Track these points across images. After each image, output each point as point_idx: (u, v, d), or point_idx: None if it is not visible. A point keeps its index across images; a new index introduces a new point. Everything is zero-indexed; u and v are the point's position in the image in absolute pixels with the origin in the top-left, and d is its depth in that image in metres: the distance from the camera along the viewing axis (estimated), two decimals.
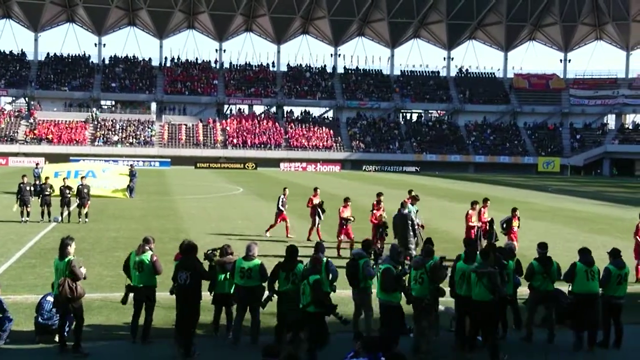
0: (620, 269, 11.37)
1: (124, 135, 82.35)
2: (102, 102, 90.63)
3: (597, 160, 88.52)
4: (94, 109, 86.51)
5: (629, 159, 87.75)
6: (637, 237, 17.05)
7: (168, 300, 11.95)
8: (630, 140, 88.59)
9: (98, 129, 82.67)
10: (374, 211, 20.02)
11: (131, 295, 11.41)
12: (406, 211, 18.22)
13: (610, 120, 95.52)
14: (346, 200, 21.32)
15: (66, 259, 10.71)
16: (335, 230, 20.86)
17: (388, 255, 11.56)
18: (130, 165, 42.82)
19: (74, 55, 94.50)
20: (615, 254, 11.57)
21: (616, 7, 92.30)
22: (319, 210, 22.63)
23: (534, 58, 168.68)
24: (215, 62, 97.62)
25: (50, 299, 11.28)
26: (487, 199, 20.24)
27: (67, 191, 26.00)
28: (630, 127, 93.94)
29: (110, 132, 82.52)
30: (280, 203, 23.96)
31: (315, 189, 24.27)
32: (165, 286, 11.63)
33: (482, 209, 19.40)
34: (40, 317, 11.15)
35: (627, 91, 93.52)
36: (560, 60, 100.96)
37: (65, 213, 25.89)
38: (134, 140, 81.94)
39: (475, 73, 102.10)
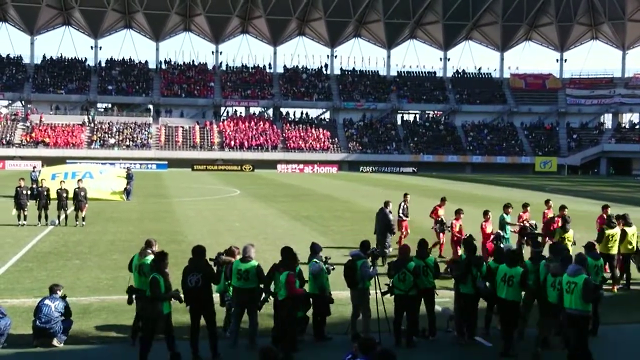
0: (596, 259, 12.40)
1: (120, 138, 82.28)
2: (99, 105, 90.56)
3: (594, 160, 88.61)
4: (92, 110, 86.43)
5: (626, 158, 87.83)
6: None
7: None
8: (627, 139, 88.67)
9: (95, 132, 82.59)
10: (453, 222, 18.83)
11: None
12: (388, 210, 18.92)
13: (607, 120, 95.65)
14: (443, 200, 20.88)
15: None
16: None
17: (359, 250, 12.04)
18: (127, 168, 42.77)
19: (70, 58, 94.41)
20: (590, 247, 12.56)
21: (612, 7, 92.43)
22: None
23: (530, 58, 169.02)
24: (214, 68, 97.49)
25: (48, 302, 11.24)
26: (527, 204, 19.70)
27: (64, 194, 25.96)
28: (627, 127, 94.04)
29: (107, 135, 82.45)
30: (400, 210, 21.36)
31: (443, 199, 21.19)
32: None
33: (522, 214, 19.03)
34: (38, 320, 11.12)
35: (623, 90, 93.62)
36: (557, 60, 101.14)
37: (63, 216, 25.86)
38: (131, 142, 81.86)
39: (472, 73, 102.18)
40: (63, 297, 11.50)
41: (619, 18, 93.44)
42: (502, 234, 17.66)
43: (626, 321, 13.21)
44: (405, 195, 22.21)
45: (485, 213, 18.22)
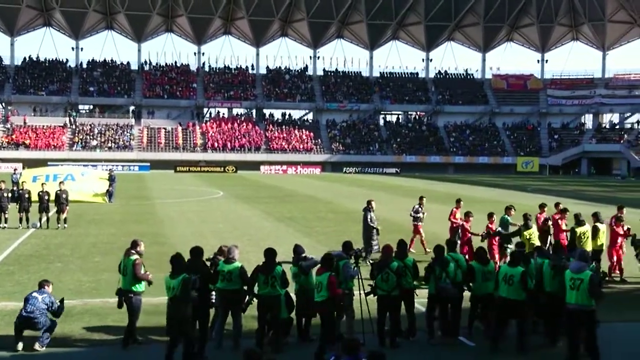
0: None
1: (102, 140, 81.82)
2: (80, 107, 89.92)
3: (575, 160, 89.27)
4: (73, 112, 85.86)
5: (607, 158, 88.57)
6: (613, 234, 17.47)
7: (152, 305, 11.88)
8: (608, 139, 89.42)
9: (76, 134, 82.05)
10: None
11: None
12: (371, 213, 19.11)
13: (588, 120, 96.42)
14: (458, 201, 20.59)
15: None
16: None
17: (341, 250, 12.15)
18: (109, 169, 42.56)
19: (51, 59, 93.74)
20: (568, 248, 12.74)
21: (592, 8, 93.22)
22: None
23: (512, 59, 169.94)
24: (197, 69, 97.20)
25: (36, 294, 11.18)
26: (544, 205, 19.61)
27: (46, 197, 25.78)
28: (607, 127, 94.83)
29: (88, 137, 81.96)
30: (414, 213, 21.12)
31: (458, 201, 20.62)
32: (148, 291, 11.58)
33: (539, 215, 18.99)
34: (23, 310, 11.04)
35: (603, 91, 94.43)
36: (538, 61, 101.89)
37: (44, 219, 25.68)
38: (113, 144, 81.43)
39: (454, 74, 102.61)
40: (61, 301, 11.48)
41: (599, 19, 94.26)
42: (502, 231, 17.79)
43: (619, 319, 13.31)
44: (421, 198, 21.79)
45: (490, 215, 18.30)
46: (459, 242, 17.44)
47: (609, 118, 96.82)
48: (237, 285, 11.21)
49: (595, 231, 16.57)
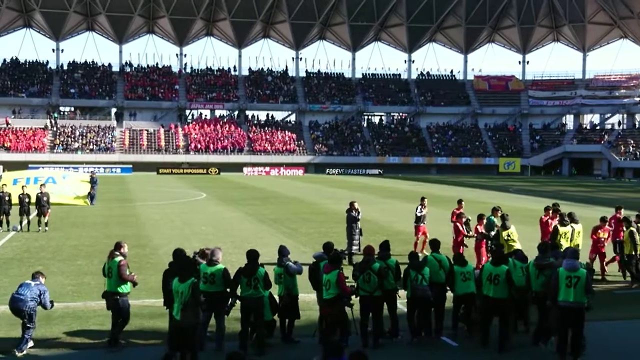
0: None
1: (84, 142, 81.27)
2: (61, 109, 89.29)
3: (556, 160, 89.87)
4: (54, 114, 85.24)
5: (588, 158, 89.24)
6: (594, 236, 17.60)
7: (139, 307, 11.82)
8: (588, 140, 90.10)
9: (57, 136, 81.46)
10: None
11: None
12: (354, 213, 19.17)
13: (569, 121, 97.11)
14: (460, 202, 20.51)
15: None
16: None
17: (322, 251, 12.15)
18: (91, 172, 42.29)
19: (31, 61, 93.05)
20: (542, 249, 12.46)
21: (572, 9, 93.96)
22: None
23: (493, 60, 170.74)
24: (180, 71, 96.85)
25: (30, 282, 11.19)
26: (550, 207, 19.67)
27: (26, 199, 25.55)
28: (588, 127, 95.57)
29: (70, 139, 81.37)
30: (418, 214, 20.81)
31: (460, 201, 20.58)
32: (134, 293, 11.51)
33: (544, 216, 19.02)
34: (16, 292, 11.06)
35: (584, 92, 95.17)
36: (519, 62, 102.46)
37: (25, 222, 25.46)
38: (95, 146, 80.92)
39: (436, 75, 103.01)
40: (51, 302, 11.41)
41: (579, 20, 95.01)
42: (485, 232, 17.87)
43: (609, 318, 13.43)
44: (423, 199, 21.51)
45: (480, 217, 18.37)
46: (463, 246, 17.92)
47: (590, 119, 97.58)
48: (220, 287, 11.16)
49: (571, 232, 16.72)
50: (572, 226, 16.87)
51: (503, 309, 11.41)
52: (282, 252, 11.99)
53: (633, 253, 16.71)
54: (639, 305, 14.58)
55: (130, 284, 11.41)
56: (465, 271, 11.99)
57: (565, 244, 16.22)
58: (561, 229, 16.52)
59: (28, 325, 10.95)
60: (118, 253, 11.46)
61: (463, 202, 20.47)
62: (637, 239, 16.58)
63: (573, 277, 10.55)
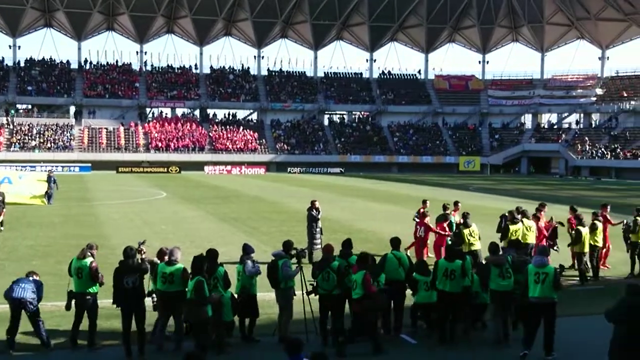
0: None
1: (41, 140, 79.90)
2: (18, 106, 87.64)
3: (515, 159, 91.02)
4: (11, 111, 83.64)
5: (545, 157, 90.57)
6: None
7: (112, 307, 11.67)
8: (546, 139, 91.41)
9: (14, 134, 79.93)
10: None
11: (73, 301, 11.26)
12: (315, 212, 19.18)
13: (527, 120, 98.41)
14: (456, 204, 20.31)
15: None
16: None
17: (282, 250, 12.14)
18: (49, 171, 41.63)
19: None
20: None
21: (531, 10, 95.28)
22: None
23: (454, 60, 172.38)
24: (140, 68, 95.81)
25: (23, 284, 11.15)
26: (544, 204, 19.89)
27: None
28: (546, 127, 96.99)
29: (27, 137, 79.93)
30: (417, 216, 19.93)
31: (456, 203, 20.42)
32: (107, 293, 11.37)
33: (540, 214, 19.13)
34: (13, 292, 11.03)
35: (542, 91, 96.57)
36: (479, 62, 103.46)
37: None
38: (53, 145, 79.61)
39: (398, 74, 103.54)
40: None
41: (537, 21, 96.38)
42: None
43: (584, 313, 13.73)
44: (424, 202, 20.75)
45: (446, 217, 18.61)
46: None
47: (548, 118, 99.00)
48: (179, 287, 11.09)
49: (522, 228, 17.18)
50: (522, 222, 17.37)
51: (458, 303, 11.65)
52: (246, 249, 11.96)
53: (585, 251, 17.15)
54: (592, 302, 14.83)
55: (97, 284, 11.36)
56: (428, 280, 12.09)
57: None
58: (512, 227, 16.87)
59: (38, 319, 11.09)
60: (90, 253, 11.38)
61: (428, 202, 20.65)
62: (584, 237, 17.04)
63: (541, 274, 10.90)
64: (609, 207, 19.92)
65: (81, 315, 11.22)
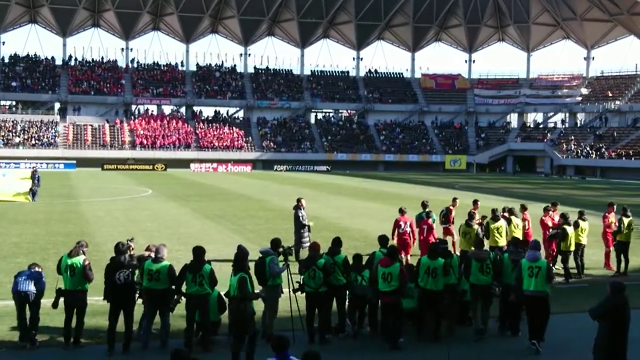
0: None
1: (26, 137, 79.33)
2: (2, 102, 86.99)
3: (501, 158, 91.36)
4: None
5: (531, 156, 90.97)
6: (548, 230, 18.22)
7: (101, 305, 11.62)
8: (532, 138, 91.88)
9: None
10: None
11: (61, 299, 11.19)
12: (301, 211, 19.13)
13: (513, 119, 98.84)
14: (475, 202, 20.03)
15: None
16: None
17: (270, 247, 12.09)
18: (33, 167, 41.33)
19: None
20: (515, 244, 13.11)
21: (517, 10, 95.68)
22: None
23: (440, 59, 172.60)
24: (127, 66, 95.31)
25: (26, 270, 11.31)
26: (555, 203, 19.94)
27: None
28: (532, 126, 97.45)
29: (11, 134, 79.36)
30: (442, 217, 19.87)
31: (475, 202, 20.06)
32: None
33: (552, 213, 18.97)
34: (18, 285, 11.16)
35: (528, 91, 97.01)
36: (465, 61, 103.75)
37: None
38: (37, 141, 79.08)
39: (384, 73, 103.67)
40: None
41: (523, 21, 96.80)
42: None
43: (569, 311, 13.81)
44: (454, 200, 20.76)
45: (428, 214, 18.69)
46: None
47: (533, 117, 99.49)
48: (165, 284, 11.07)
49: (506, 226, 17.40)
50: (511, 219, 17.64)
51: (438, 301, 11.76)
52: (276, 243, 12.10)
53: (572, 249, 17.26)
54: (576, 299, 14.90)
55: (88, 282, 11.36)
56: (412, 286, 12.10)
57: (499, 238, 16.67)
58: (492, 225, 16.97)
59: (37, 315, 11.17)
60: (82, 251, 11.34)
61: (457, 200, 20.68)
62: (570, 236, 17.18)
63: (534, 268, 11.34)
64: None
65: (72, 313, 11.16)
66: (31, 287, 11.11)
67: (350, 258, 12.25)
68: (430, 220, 18.43)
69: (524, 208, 19.47)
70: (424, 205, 19.33)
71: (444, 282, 11.82)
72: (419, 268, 11.92)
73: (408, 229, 18.01)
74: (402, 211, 18.48)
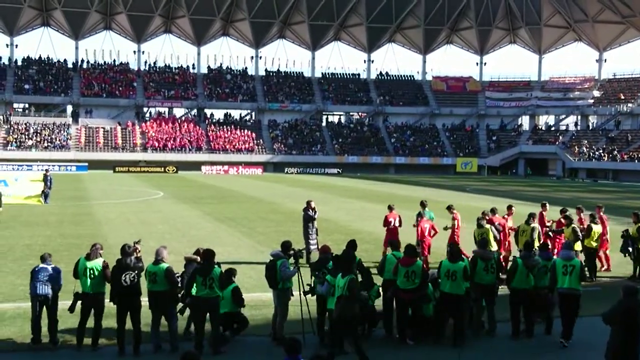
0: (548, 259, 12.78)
1: (38, 139, 79.75)
2: (15, 105, 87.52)
3: (512, 161, 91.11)
4: (8, 110, 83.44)
5: (542, 158, 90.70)
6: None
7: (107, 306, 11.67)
8: (543, 140, 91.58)
9: (11, 133, 79.77)
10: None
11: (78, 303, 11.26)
12: (311, 213, 19.09)
13: (524, 122, 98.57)
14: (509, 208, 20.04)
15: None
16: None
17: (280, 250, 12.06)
18: (45, 170, 41.50)
19: None
20: (543, 247, 13.24)
21: (529, 12, 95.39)
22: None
23: (451, 61, 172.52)
24: (138, 69, 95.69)
25: (44, 265, 11.45)
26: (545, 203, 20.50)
27: None
28: (543, 128, 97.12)
29: (24, 136, 79.79)
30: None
31: (510, 207, 20.01)
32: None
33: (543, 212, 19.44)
34: (37, 282, 11.32)
35: (539, 93, 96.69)
36: (477, 63, 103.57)
37: None
38: (49, 144, 79.47)
39: (395, 75, 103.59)
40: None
41: (535, 23, 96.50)
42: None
43: (581, 314, 13.62)
44: (510, 207, 20.16)
45: (420, 214, 18.93)
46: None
47: (545, 120, 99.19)
48: (163, 286, 11.12)
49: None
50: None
51: (458, 304, 11.65)
52: (286, 245, 12.09)
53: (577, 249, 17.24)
54: (589, 303, 14.80)
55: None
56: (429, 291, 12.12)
57: (488, 243, 16.67)
58: (475, 230, 16.97)
59: (55, 316, 11.30)
60: (99, 254, 11.40)
61: (514, 208, 20.36)
62: (579, 234, 17.30)
63: (569, 266, 11.76)
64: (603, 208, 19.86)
65: (88, 316, 11.20)
66: (50, 290, 11.24)
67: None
68: (425, 218, 18.63)
69: (510, 208, 19.87)
70: (423, 204, 19.68)
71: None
72: (439, 271, 11.93)
73: (397, 224, 18.99)
74: (390, 208, 19.64)
